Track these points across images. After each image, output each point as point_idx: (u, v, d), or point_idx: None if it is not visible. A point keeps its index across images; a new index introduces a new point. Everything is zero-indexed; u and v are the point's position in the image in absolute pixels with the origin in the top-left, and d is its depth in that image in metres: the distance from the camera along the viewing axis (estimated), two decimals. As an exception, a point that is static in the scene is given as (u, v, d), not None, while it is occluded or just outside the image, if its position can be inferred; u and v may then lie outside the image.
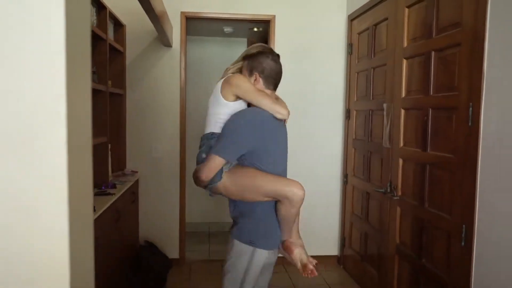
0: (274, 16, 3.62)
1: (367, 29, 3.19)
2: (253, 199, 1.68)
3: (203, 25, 4.38)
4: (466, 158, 1.93)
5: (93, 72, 2.78)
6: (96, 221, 2.05)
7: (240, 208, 1.75)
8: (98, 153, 2.77)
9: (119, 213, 2.71)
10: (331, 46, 3.69)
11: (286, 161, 1.83)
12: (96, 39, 2.75)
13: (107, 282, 2.40)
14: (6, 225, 0.61)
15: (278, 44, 3.60)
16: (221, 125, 1.69)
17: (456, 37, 2.03)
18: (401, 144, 2.59)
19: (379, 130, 2.93)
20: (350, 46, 3.57)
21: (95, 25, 2.74)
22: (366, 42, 3.23)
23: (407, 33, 2.54)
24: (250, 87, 1.67)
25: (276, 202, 1.71)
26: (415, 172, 2.43)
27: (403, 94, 2.56)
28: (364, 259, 3.24)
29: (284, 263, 3.06)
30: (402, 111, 2.57)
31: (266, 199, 1.68)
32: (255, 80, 1.71)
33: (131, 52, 3.55)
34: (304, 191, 1.65)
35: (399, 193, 2.61)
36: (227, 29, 4.53)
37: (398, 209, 2.63)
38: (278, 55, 1.77)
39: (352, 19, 3.51)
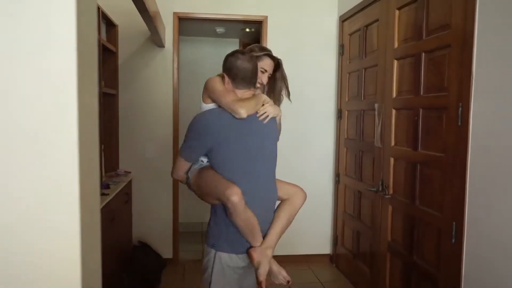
0: (266, 17, 3.65)
1: (359, 30, 3.23)
2: (210, 201, 1.68)
3: (196, 26, 4.39)
4: (456, 156, 1.98)
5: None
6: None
7: (211, 211, 1.77)
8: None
9: (113, 214, 2.71)
10: (322, 47, 3.73)
11: (262, 160, 1.72)
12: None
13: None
14: (15, 226, 0.62)
15: (270, 44, 3.62)
16: None
17: (446, 39, 2.08)
18: (392, 143, 2.63)
19: (371, 130, 2.97)
20: (341, 47, 3.61)
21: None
22: (357, 43, 3.27)
23: (397, 35, 2.59)
24: (218, 88, 1.68)
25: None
26: (406, 171, 2.47)
27: (394, 95, 2.61)
28: (357, 257, 3.28)
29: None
30: (393, 111, 2.61)
31: (218, 202, 1.64)
32: (227, 82, 1.71)
33: (123, 52, 3.54)
34: (238, 196, 1.51)
35: (391, 192, 2.65)
36: (220, 30, 4.54)
37: (390, 207, 2.67)
38: (254, 56, 1.78)
39: (343, 20, 3.55)
